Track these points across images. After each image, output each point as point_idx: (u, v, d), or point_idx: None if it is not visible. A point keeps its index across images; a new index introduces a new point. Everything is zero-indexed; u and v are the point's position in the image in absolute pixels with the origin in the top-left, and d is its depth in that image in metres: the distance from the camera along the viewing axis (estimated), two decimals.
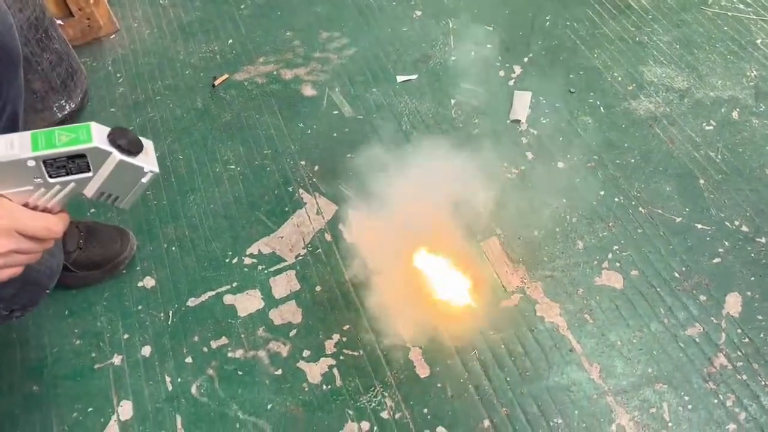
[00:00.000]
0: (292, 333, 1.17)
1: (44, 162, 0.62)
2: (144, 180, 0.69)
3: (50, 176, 0.63)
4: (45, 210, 0.67)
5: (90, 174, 0.65)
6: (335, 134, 1.48)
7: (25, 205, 0.65)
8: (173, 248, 1.30)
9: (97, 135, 0.63)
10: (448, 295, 1.20)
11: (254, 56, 1.67)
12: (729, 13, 1.67)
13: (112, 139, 0.64)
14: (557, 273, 1.22)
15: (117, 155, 0.64)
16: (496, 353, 1.13)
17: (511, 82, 1.56)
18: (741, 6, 1.69)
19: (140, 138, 0.67)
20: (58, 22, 1.63)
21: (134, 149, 0.66)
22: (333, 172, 1.40)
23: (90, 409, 1.10)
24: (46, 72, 1.44)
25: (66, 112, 1.52)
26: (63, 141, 0.62)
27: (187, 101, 1.57)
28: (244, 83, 1.61)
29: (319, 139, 1.47)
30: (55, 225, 0.66)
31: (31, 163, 0.61)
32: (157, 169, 0.69)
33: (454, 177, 1.36)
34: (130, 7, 1.83)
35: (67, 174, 0.64)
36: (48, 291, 1.12)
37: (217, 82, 1.61)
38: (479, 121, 1.48)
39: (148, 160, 0.68)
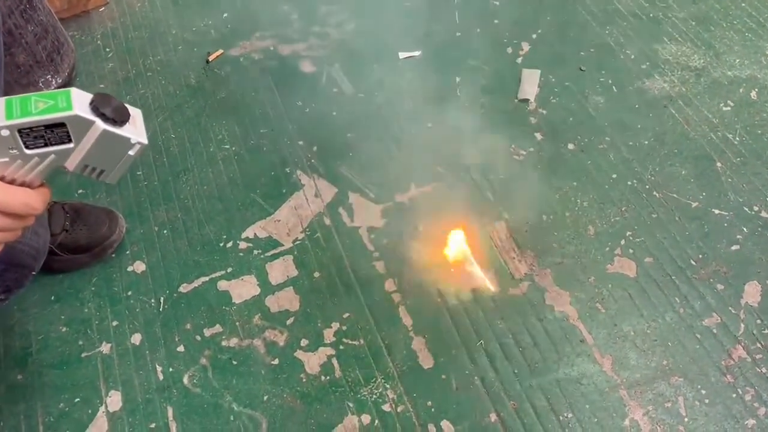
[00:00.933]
0: (290, 321, 1.11)
1: (19, 131, 0.56)
2: (131, 152, 0.62)
3: (27, 147, 0.57)
4: (23, 184, 0.60)
5: (71, 145, 0.59)
6: (335, 113, 1.41)
7: (2, 179, 0.59)
8: (165, 231, 1.24)
9: (77, 102, 0.57)
10: (453, 282, 1.14)
11: (250, 31, 1.60)
12: None
13: (95, 106, 0.58)
14: (567, 260, 1.16)
15: (100, 125, 0.58)
16: (503, 344, 1.07)
17: (519, 60, 1.49)
18: None
19: (127, 106, 0.60)
20: None
21: (119, 118, 0.59)
22: (332, 153, 1.34)
23: (77, 400, 1.05)
24: (31, 45, 1.37)
25: (52, 88, 1.44)
26: (40, 108, 0.55)
27: (179, 77, 1.50)
28: (240, 59, 1.54)
29: (318, 117, 1.41)
30: (35, 200, 0.60)
31: (5, 133, 0.55)
32: (145, 140, 0.62)
33: (459, 159, 1.31)
34: None
35: (46, 145, 0.58)
36: (34, 272, 1.06)
37: (211, 58, 1.54)
38: (485, 100, 1.42)
39: (135, 131, 0.62)
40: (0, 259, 0.61)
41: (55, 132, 0.57)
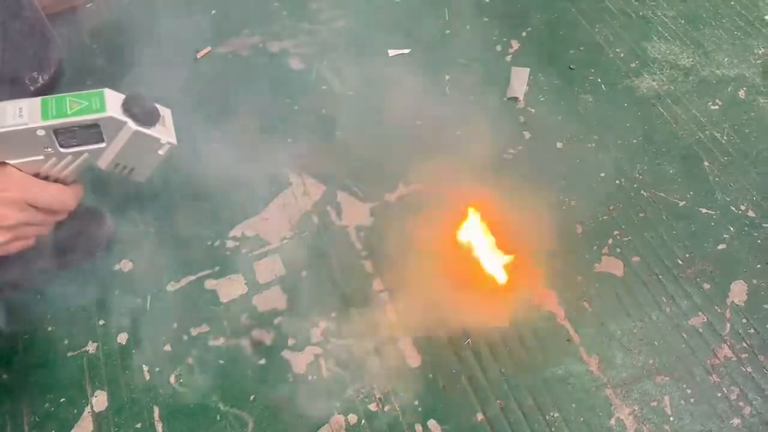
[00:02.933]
0: (277, 320, 1.11)
1: (55, 131, 0.57)
2: (161, 152, 0.64)
3: (61, 146, 0.58)
4: (57, 180, 0.61)
5: (103, 144, 0.60)
6: (324, 110, 1.41)
7: (36, 176, 0.59)
8: (152, 230, 1.23)
9: (110, 103, 0.58)
10: (441, 282, 1.14)
11: (239, 27, 1.59)
12: None
13: (127, 107, 0.59)
14: (555, 259, 1.16)
15: (132, 126, 0.59)
16: (490, 343, 1.08)
17: (509, 58, 1.49)
18: None
19: (158, 106, 0.61)
20: None
21: (151, 119, 0.61)
22: (321, 151, 1.33)
23: (62, 399, 1.04)
24: (17, 42, 1.36)
25: (39, 85, 1.42)
26: (74, 109, 0.57)
27: (167, 75, 1.49)
28: (228, 56, 1.53)
29: (307, 115, 1.40)
30: (68, 196, 0.62)
31: (41, 133, 0.56)
32: (174, 141, 0.64)
33: (448, 157, 1.30)
34: None
35: (79, 144, 0.59)
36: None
37: (199, 55, 1.53)
38: (474, 98, 1.41)
39: (165, 131, 0.63)
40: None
41: (89, 132, 0.58)
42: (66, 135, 0.58)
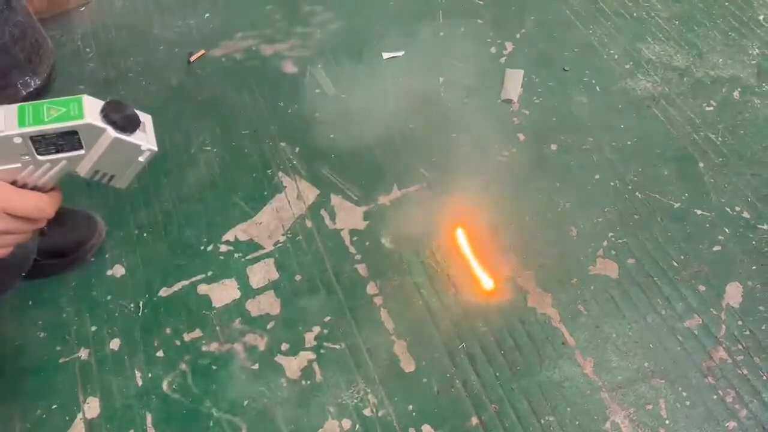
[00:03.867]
0: (270, 325, 1.11)
1: (32, 138, 0.55)
2: (141, 158, 0.63)
3: (39, 153, 0.57)
4: (36, 188, 0.60)
5: (82, 152, 0.59)
6: (317, 114, 1.40)
7: (14, 183, 0.58)
8: (145, 235, 1.22)
9: (89, 110, 0.57)
10: (436, 285, 1.14)
11: (232, 31, 1.58)
12: None
13: (106, 114, 0.58)
14: (549, 261, 1.16)
15: (111, 132, 0.58)
16: (485, 346, 1.07)
17: (503, 60, 1.49)
18: None
19: (137, 112, 0.60)
20: None
21: (130, 125, 0.59)
22: (315, 154, 1.33)
23: (54, 406, 1.04)
24: (8, 46, 1.34)
25: (31, 89, 1.42)
26: (52, 116, 0.55)
27: (160, 78, 1.49)
28: (222, 59, 1.52)
29: (301, 118, 1.40)
30: (47, 204, 0.61)
31: (18, 140, 0.55)
32: (155, 147, 0.63)
33: (442, 160, 1.30)
34: None
35: (58, 151, 0.58)
36: (23, 273, 1.05)
37: (192, 59, 1.52)
38: (469, 100, 1.41)
39: (145, 137, 0.62)
40: None
41: (67, 139, 0.57)
42: (44, 142, 0.56)
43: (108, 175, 0.62)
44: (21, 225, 0.59)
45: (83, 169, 0.60)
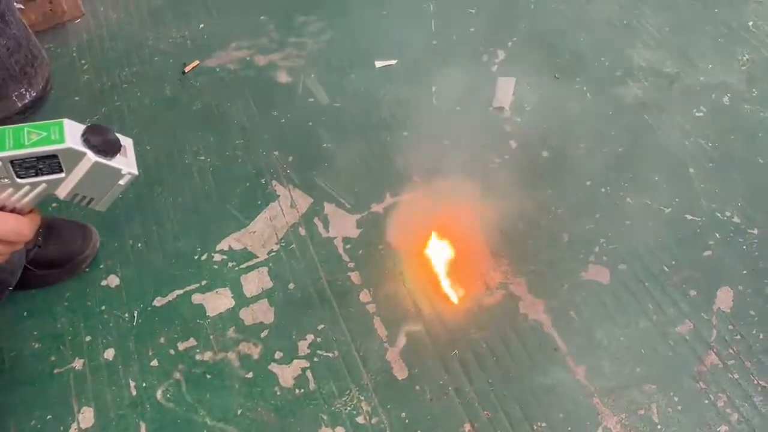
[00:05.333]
0: (264, 333, 1.11)
1: (12, 162, 0.56)
2: (122, 182, 0.63)
3: (19, 177, 0.57)
4: (13, 210, 0.61)
5: (62, 175, 0.59)
6: (311, 123, 1.41)
7: None
8: (139, 245, 1.23)
9: (70, 134, 0.57)
10: (428, 292, 1.14)
11: (227, 41, 1.60)
12: None
13: (87, 138, 0.58)
14: (541, 267, 1.17)
15: (92, 156, 0.58)
16: (477, 353, 1.07)
17: (495, 68, 1.50)
18: None
19: (119, 136, 0.61)
20: (19, 6, 1.54)
21: (111, 150, 0.60)
22: (308, 163, 1.34)
23: (49, 417, 1.04)
24: (3, 59, 1.36)
25: (27, 101, 1.44)
26: (33, 140, 0.56)
27: (155, 89, 1.50)
28: (216, 70, 1.53)
29: (294, 128, 1.41)
30: (25, 227, 0.61)
31: None
32: (136, 171, 0.63)
33: (435, 168, 1.31)
34: None
35: (37, 174, 0.58)
36: (11, 288, 1.06)
37: (187, 69, 1.53)
38: (461, 108, 1.42)
39: (126, 161, 0.62)
40: None
41: (47, 162, 0.57)
42: (23, 166, 0.57)
43: (87, 198, 0.63)
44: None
45: (63, 192, 0.61)
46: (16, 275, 1.09)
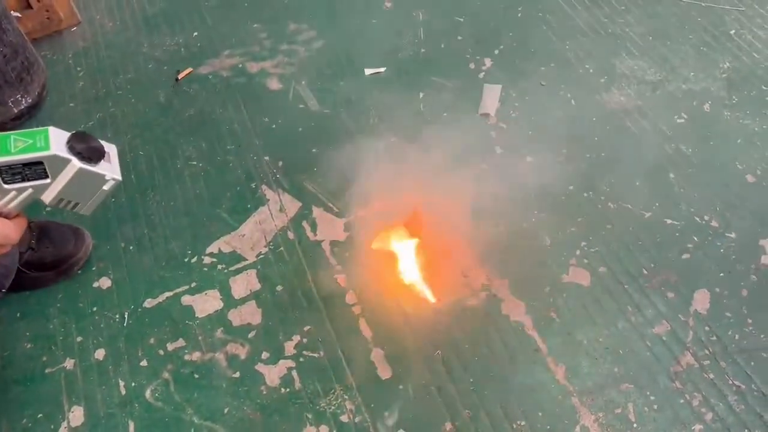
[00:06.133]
0: (251, 334, 1.13)
1: None
2: (105, 187, 0.66)
3: (5, 182, 0.60)
4: (0, 215, 0.63)
5: (48, 181, 0.62)
6: (301, 129, 1.44)
7: None
8: (131, 247, 1.26)
9: (55, 141, 0.60)
10: (413, 294, 1.17)
11: (219, 49, 1.63)
12: (703, 4, 1.65)
13: (71, 145, 0.61)
14: (524, 270, 1.19)
15: (76, 163, 0.61)
16: (460, 353, 1.10)
17: (481, 75, 1.53)
18: None
19: (102, 143, 0.64)
20: (16, 14, 1.58)
21: (95, 156, 0.62)
22: (297, 168, 1.37)
23: (40, 415, 1.06)
24: (0, 65, 1.39)
25: (23, 107, 1.47)
26: (19, 147, 0.59)
27: (149, 96, 1.53)
28: (209, 77, 1.56)
29: (284, 134, 1.44)
30: (12, 230, 0.63)
31: None
32: (119, 177, 0.66)
33: (420, 173, 1.33)
34: None
35: (24, 180, 0.61)
36: (4, 290, 1.08)
37: (180, 76, 1.56)
38: (448, 114, 1.45)
39: (110, 167, 0.65)
40: None
41: (33, 169, 0.60)
42: (10, 172, 0.59)
43: (72, 202, 0.66)
44: None
45: (48, 197, 0.63)
46: (10, 278, 1.11)
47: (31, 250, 1.16)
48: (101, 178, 0.64)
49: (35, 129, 0.60)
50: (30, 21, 1.63)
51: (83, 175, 0.62)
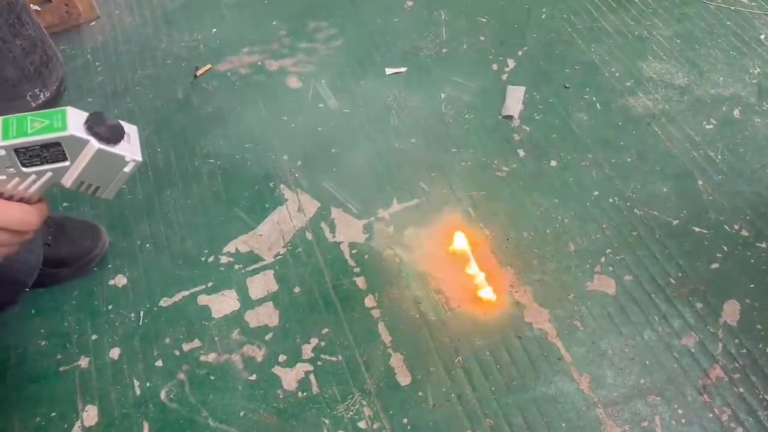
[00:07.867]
0: (268, 336, 1.12)
1: (16, 150, 0.57)
2: (126, 169, 0.63)
3: (23, 165, 0.58)
4: (21, 200, 0.61)
5: (67, 163, 0.60)
6: (320, 128, 1.42)
7: (0, 196, 0.59)
8: (147, 245, 1.24)
9: (72, 122, 0.58)
10: (433, 299, 1.14)
11: (239, 46, 1.61)
12: (732, 8, 1.61)
13: (90, 126, 0.59)
14: (547, 277, 1.16)
15: (95, 144, 0.59)
16: (481, 361, 1.07)
17: (505, 76, 1.50)
18: (744, 0, 1.63)
19: (122, 123, 0.61)
20: (35, 8, 1.57)
21: (114, 137, 0.60)
22: (316, 168, 1.35)
23: (53, 414, 1.05)
24: (19, 59, 1.38)
25: (41, 101, 1.45)
26: (36, 128, 0.56)
27: (167, 92, 1.52)
28: (228, 74, 1.55)
29: (303, 133, 1.41)
30: (32, 216, 0.61)
31: (1, 152, 0.56)
32: (140, 158, 0.63)
33: (442, 175, 1.31)
34: None
35: (42, 163, 0.59)
36: (27, 288, 1.07)
37: (199, 73, 1.55)
38: (470, 116, 1.42)
39: (130, 148, 0.63)
40: None
41: (51, 151, 0.58)
42: (28, 154, 0.57)
43: (93, 186, 0.63)
44: (7, 237, 0.60)
45: (68, 181, 0.61)
46: (33, 276, 1.10)
47: (48, 246, 1.15)
48: (121, 160, 0.61)
49: (53, 109, 0.57)
50: (49, 15, 1.63)
51: (103, 157, 0.60)
